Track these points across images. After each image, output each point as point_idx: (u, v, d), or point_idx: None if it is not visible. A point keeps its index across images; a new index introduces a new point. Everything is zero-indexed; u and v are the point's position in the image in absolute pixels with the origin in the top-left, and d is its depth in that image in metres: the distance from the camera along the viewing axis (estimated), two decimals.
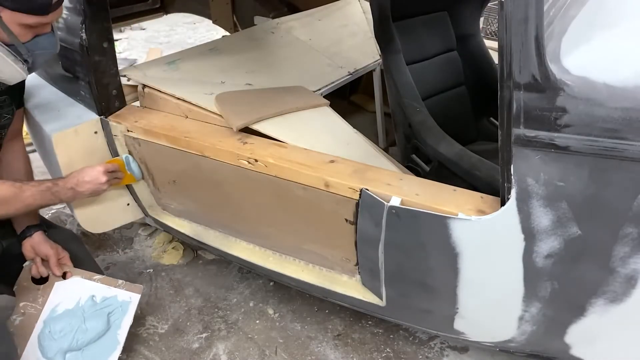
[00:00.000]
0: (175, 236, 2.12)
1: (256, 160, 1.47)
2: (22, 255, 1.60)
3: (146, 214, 1.96)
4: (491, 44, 2.11)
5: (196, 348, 1.79)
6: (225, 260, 2.05)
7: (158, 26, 5.88)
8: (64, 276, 1.60)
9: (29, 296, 1.59)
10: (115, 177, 1.63)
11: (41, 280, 1.60)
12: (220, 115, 1.63)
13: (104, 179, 1.54)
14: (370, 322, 1.88)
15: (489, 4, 2.15)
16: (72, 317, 1.57)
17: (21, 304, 1.56)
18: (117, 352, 1.56)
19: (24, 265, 1.61)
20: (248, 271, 2.11)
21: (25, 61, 1.35)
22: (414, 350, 1.77)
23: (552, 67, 0.99)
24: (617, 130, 0.96)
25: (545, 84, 0.99)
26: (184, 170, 1.69)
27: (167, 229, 1.98)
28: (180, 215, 1.92)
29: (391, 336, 1.83)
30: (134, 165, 1.73)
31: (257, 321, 1.91)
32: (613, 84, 0.97)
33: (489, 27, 4.13)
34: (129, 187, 1.86)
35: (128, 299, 1.63)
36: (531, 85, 1.00)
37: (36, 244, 1.57)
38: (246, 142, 1.54)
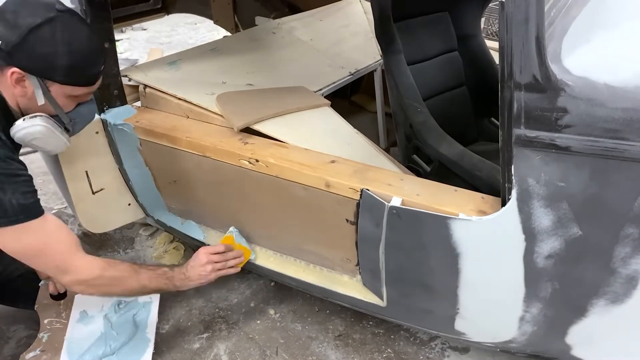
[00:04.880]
0: (177, 236, 2.13)
1: (257, 161, 1.47)
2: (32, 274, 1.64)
3: (147, 214, 1.96)
4: (492, 45, 2.11)
5: (197, 348, 1.79)
6: None
7: (159, 26, 5.89)
8: None
9: (51, 312, 1.63)
10: (225, 260, 1.56)
11: (59, 296, 1.65)
12: (221, 116, 1.64)
13: (208, 266, 1.50)
14: (371, 323, 1.88)
15: (490, 4, 2.15)
16: (98, 325, 1.61)
17: (46, 321, 1.61)
18: (150, 349, 1.61)
19: (39, 284, 1.65)
20: (249, 271, 2.11)
21: (67, 130, 1.35)
22: (415, 351, 1.77)
23: (553, 67, 0.99)
24: (618, 130, 0.96)
25: (546, 85, 0.99)
26: (184, 170, 1.70)
27: (168, 229, 1.98)
28: (182, 215, 1.92)
29: (392, 337, 1.83)
30: (241, 238, 1.68)
31: (258, 321, 1.91)
32: (614, 85, 0.97)
33: (490, 27, 4.13)
34: (130, 188, 1.86)
35: (149, 299, 1.69)
36: (532, 86, 1.00)
37: None
38: (247, 142, 1.54)
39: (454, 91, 2.05)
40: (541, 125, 1.01)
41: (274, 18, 2.86)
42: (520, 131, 1.03)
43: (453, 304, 1.36)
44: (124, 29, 5.69)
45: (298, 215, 1.52)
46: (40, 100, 1.24)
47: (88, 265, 1.33)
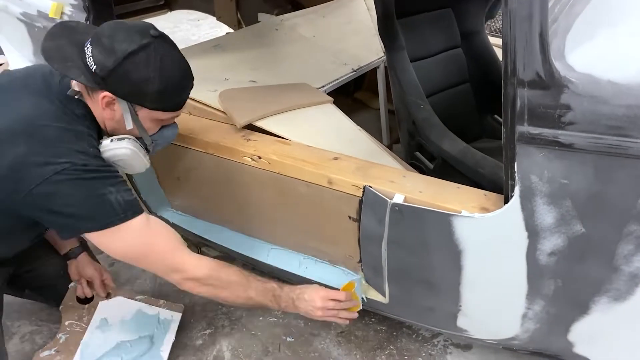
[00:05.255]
0: (180, 233, 2.13)
1: (260, 157, 1.47)
2: (60, 275, 1.66)
3: (150, 211, 1.96)
4: (495, 41, 2.10)
5: (200, 344, 1.80)
6: (228, 257, 2.05)
7: (162, 23, 5.84)
8: (107, 296, 1.66)
9: (74, 315, 1.65)
10: (339, 309, 1.38)
11: (86, 300, 1.67)
12: (224, 112, 1.64)
13: (319, 311, 1.35)
14: (373, 320, 1.88)
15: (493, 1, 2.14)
16: (116, 335, 1.61)
17: (67, 322, 1.62)
18: None
19: (69, 285, 1.67)
20: (252, 268, 2.12)
21: (148, 151, 1.36)
22: (417, 348, 1.77)
23: (557, 64, 0.99)
24: (622, 127, 0.96)
25: (550, 81, 0.98)
26: (187, 167, 1.70)
27: (171, 226, 1.98)
28: (184, 211, 1.92)
29: (394, 333, 1.83)
30: (359, 286, 1.52)
31: (261, 318, 1.91)
32: (618, 82, 0.97)
33: (493, 24, 4.11)
34: (133, 184, 1.86)
35: (170, 317, 1.67)
36: (535, 83, 0.99)
37: (81, 265, 1.63)
38: (250, 139, 1.54)
39: (457, 88, 2.04)
40: (544, 122, 1.01)
41: (277, 15, 2.86)
42: (524, 128, 1.03)
43: (455, 301, 1.36)
44: None
45: (300, 212, 1.52)
46: (129, 125, 1.25)
47: (198, 263, 1.31)
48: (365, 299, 1.55)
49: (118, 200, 1.19)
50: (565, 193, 1.05)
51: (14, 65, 2.14)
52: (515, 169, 1.07)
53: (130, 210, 1.21)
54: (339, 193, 1.36)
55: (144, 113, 1.25)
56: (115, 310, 1.65)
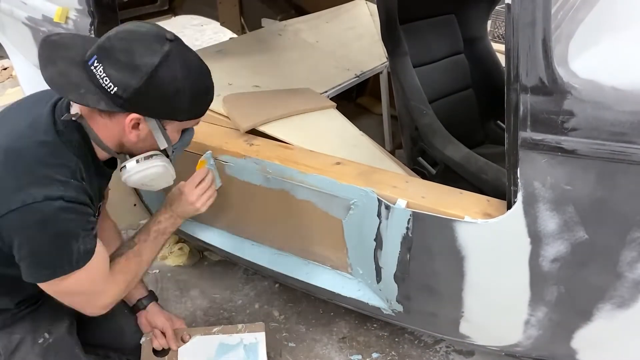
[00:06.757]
0: (182, 237, 2.13)
1: None
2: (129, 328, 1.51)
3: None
4: (499, 47, 2.10)
5: None
6: (230, 262, 2.05)
7: (166, 28, 5.90)
8: (182, 339, 1.51)
9: None
10: (208, 186, 1.36)
11: (164, 352, 1.51)
12: (227, 117, 1.64)
13: (198, 203, 1.32)
14: (375, 325, 1.88)
15: (496, 7, 2.14)
16: None
17: None
18: None
19: (141, 341, 1.50)
20: (254, 273, 2.11)
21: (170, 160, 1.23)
22: (419, 354, 1.77)
23: (560, 70, 0.99)
24: (625, 133, 0.96)
25: (553, 87, 0.98)
26: (190, 171, 1.69)
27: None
28: None
29: (396, 339, 1.82)
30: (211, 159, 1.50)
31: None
32: (621, 88, 0.97)
33: (496, 30, 4.11)
34: (136, 190, 1.87)
35: (254, 340, 1.54)
36: (538, 89, 0.99)
37: (151, 316, 1.49)
38: (253, 144, 1.55)
39: (460, 94, 2.04)
40: (547, 128, 1.01)
41: (280, 20, 2.86)
42: (527, 134, 1.03)
43: (458, 307, 1.35)
44: None
45: (304, 217, 1.52)
46: (162, 144, 1.13)
47: (115, 288, 1.22)
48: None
49: (79, 250, 1.07)
50: (568, 199, 1.05)
51: (19, 69, 2.16)
52: (518, 175, 1.07)
53: (82, 261, 1.09)
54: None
55: (172, 126, 1.14)
56: (197, 351, 1.51)
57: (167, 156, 1.20)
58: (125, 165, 1.15)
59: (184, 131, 1.21)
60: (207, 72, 1.15)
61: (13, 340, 1.26)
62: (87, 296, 1.19)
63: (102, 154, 1.18)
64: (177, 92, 1.06)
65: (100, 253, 1.15)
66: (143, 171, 1.16)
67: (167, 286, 2.10)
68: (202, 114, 1.18)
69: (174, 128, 1.15)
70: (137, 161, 1.15)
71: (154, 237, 1.32)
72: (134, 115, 1.06)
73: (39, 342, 1.29)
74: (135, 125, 1.09)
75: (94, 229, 1.13)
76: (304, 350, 1.79)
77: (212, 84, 1.17)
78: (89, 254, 1.10)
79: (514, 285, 1.23)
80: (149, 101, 1.05)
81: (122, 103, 1.04)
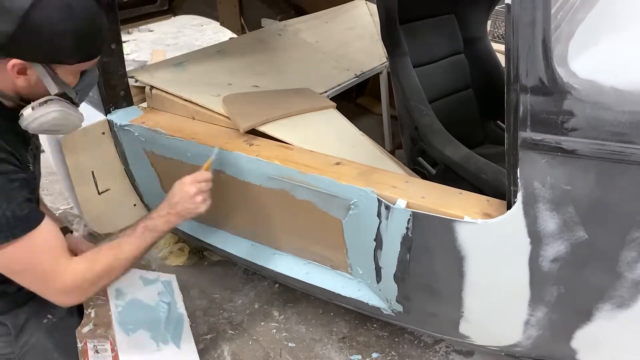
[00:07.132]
0: (182, 237, 2.13)
1: None
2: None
3: None
4: (498, 47, 2.10)
5: (201, 349, 1.80)
6: (230, 262, 2.05)
7: (166, 28, 5.91)
8: None
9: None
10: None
11: None
12: (227, 117, 1.64)
13: (198, 197, 1.33)
14: (375, 325, 1.88)
15: (496, 7, 2.14)
16: (136, 298, 1.62)
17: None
18: (187, 322, 1.65)
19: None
20: (253, 273, 2.11)
21: (75, 103, 1.21)
22: (419, 354, 1.77)
23: (560, 70, 0.99)
24: (625, 134, 0.96)
25: (552, 87, 0.98)
26: (190, 171, 1.70)
27: (173, 230, 1.98)
28: None
29: (396, 339, 1.82)
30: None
31: (262, 323, 1.91)
32: (621, 88, 0.97)
33: (496, 30, 4.12)
34: (136, 189, 1.87)
35: (168, 278, 1.70)
36: (538, 89, 0.99)
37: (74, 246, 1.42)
38: (252, 144, 1.55)
39: (459, 94, 2.04)
40: (547, 128, 1.01)
41: (280, 20, 2.86)
42: (526, 134, 1.03)
43: (457, 307, 1.35)
44: (130, 30, 5.72)
45: (303, 217, 1.52)
46: (53, 89, 1.11)
47: (72, 273, 1.17)
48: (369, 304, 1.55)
49: (6, 215, 1.03)
50: (568, 199, 1.05)
51: None
52: (518, 175, 1.07)
53: (18, 228, 1.05)
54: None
55: (64, 69, 1.10)
56: (122, 281, 1.57)
57: (72, 99, 1.18)
58: (22, 113, 1.13)
59: (82, 73, 1.17)
60: (94, 12, 1.09)
61: (20, 319, 1.26)
62: (37, 276, 1.14)
63: (9, 104, 1.15)
64: (58, 35, 1.03)
65: (48, 229, 1.13)
66: (40, 117, 1.12)
67: None
68: (96, 55, 1.14)
69: (66, 71, 1.12)
70: (33, 108, 1.11)
71: (141, 233, 1.28)
72: (15, 61, 1.03)
73: (44, 322, 1.30)
74: (22, 71, 1.06)
75: (25, 190, 1.09)
76: (303, 350, 1.79)
77: (104, 23, 1.13)
78: (27, 222, 1.07)
79: (513, 286, 1.23)
80: (26, 46, 1.02)
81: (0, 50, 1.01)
